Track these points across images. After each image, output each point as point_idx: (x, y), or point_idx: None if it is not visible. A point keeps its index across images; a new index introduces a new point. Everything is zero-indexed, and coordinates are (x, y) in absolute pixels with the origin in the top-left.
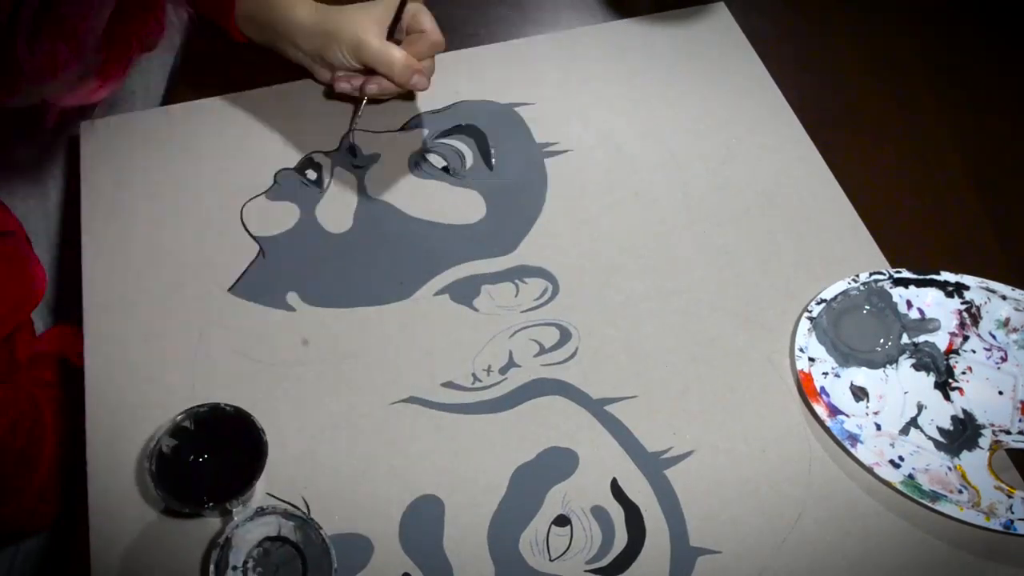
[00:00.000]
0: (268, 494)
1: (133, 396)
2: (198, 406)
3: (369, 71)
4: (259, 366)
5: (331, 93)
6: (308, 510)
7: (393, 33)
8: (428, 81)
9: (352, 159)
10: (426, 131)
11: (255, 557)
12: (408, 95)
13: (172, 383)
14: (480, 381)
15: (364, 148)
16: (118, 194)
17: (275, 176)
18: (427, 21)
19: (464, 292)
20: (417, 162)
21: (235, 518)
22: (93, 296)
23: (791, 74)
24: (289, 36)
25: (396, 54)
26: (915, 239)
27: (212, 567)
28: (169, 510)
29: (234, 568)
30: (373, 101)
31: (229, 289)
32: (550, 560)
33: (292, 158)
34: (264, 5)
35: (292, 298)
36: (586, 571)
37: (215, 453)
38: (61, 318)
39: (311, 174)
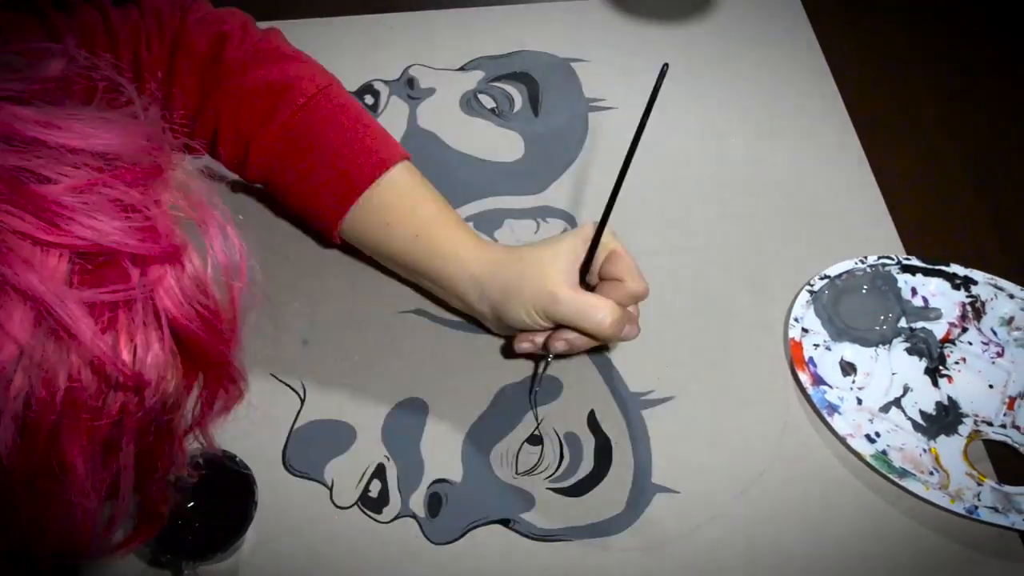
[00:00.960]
0: (271, 374)
1: None
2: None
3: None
4: (283, 262)
5: (400, 27)
6: (305, 394)
7: (585, 276)
8: (638, 330)
9: (409, 90)
10: (482, 73)
11: None
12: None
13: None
14: None
15: (421, 82)
16: None
17: None
18: (628, 265)
19: (488, 222)
20: (468, 100)
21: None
22: None
23: (852, 65)
24: (459, 292)
25: (603, 308)
26: (941, 235)
27: None
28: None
29: None
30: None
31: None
32: (515, 474)
33: (353, 83)
34: (425, 259)
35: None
36: (547, 488)
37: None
38: None
39: (368, 99)
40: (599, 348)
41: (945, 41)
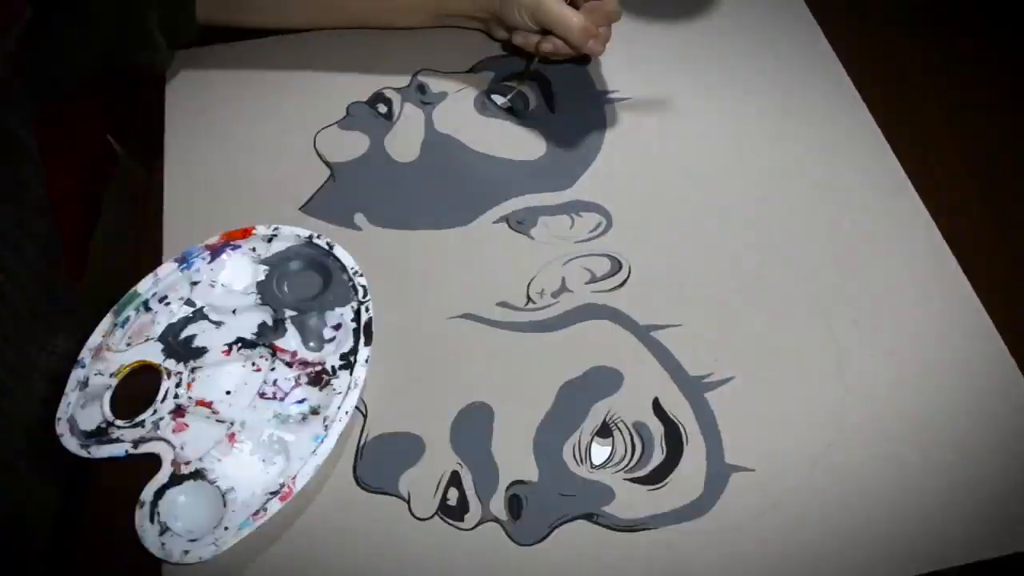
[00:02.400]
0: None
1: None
2: None
3: (546, 31)
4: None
5: (404, 34)
6: (366, 410)
7: None
8: (604, 47)
9: (421, 96)
10: (492, 74)
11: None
12: (583, 58)
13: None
14: (533, 303)
15: (432, 86)
16: (199, 121)
17: (348, 108)
18: None
19: (522, 221)
20: (482, 102)
21: None
22: (172, 208)
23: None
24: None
25: (574, 18)
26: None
27: None
28: None
29: None
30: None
31: (300, 208)
32: (591, 468)
33: (364, 92)
34: None
35: (359, 218)
36: (625, 479)
37: None
38: None
39: (381, 107)
40: (648, 328)
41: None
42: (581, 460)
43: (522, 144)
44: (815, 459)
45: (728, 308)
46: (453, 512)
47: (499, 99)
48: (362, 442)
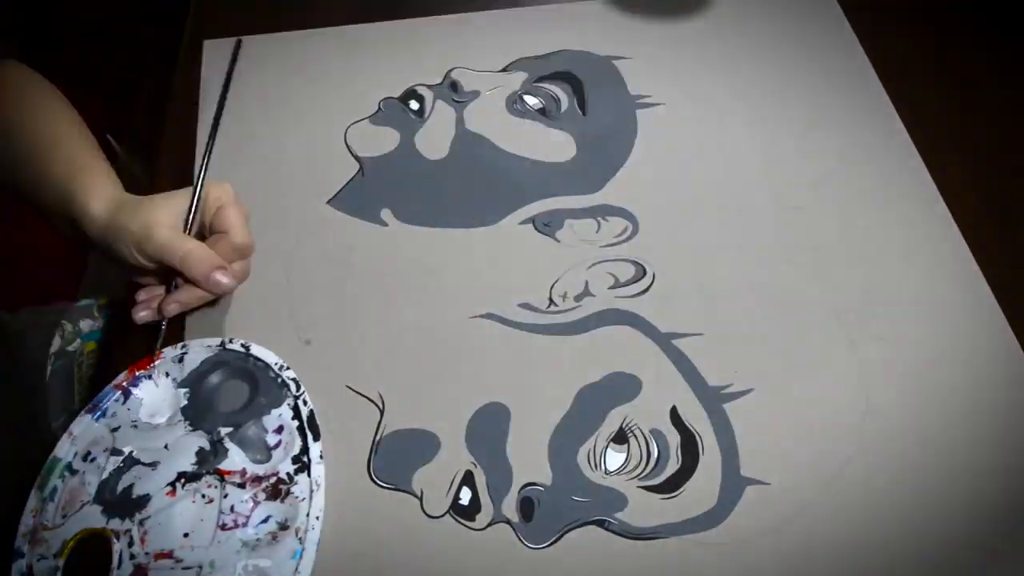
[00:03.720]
0: (347, 387)
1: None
2: None
3: (161, 271)
4: (348, 272)
5: (439, 32)
6: (383, 405)
7: (191, 225)
8: (234, 283)
9: (453, 94)
10: (525, 75)
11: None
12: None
13: (268, 280)
14: (555, 305)
15: (465, 85)
16: (232, 109)
17: (379, 103)
18: (233, 218)
19: (548, 224)
20: (514, 102)
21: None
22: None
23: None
24: (83, 230)
25: (188, 244)
26: (994, 215)
27: None
28: None
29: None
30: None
31: (328, 201)
32: (605, 474)
33: (397, 88)
34: (66, 200)
35: (385, 214)
36: (638, 487)
37: None
38: None
39: (414, 104)
40: (669, 336)
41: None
42: (595, 465)
43: (552, 146)
44: (832, 475)
45: (751, 319)
46: (465, 511)
47: (531, 100)
48: (378, 437)
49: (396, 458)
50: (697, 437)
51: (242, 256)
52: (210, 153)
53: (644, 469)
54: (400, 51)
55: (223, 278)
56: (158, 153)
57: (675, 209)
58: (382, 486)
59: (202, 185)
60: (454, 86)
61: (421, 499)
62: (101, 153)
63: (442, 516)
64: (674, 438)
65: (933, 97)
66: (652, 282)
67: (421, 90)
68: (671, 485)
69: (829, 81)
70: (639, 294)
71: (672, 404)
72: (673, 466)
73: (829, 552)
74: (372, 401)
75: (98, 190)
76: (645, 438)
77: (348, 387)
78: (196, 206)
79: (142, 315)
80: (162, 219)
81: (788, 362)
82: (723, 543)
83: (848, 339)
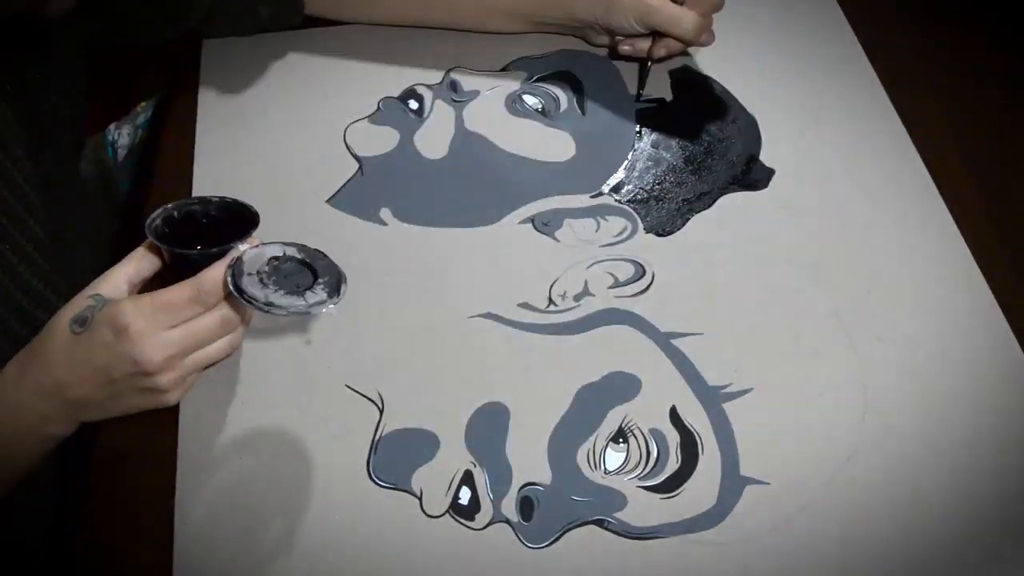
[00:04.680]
0: (347, 386)
1: None
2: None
3: (654, 34)
4: (347, 271)
5: (439, 32)
6: (383, 404)
7: None
8: (714, 36)
9: (453, 94)
10: (525, 74)
11: (266, 271)
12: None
13: None
14: (555, 305)
15: (465, 85)
16: (232, 107)
17: (379, 103)
18: None
19: (547, 223)
20: (514, 101)
21: (239, 248)
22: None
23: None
24: (567, 4)
25: (687, 16)
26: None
27: (229, 279)
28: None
29: (249, 275)
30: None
31: (327, 200)
32: (605, 474)
33: (397, 88)
34: None
35: (385, 213)
36: (638, 486)
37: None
38: None
39: (413, 103)
40: (669, 336)
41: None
42: (595, 465)
43: (551, 145)
44: (832, 475)
45: (750, 318)
46: (464, 511)
47: (531, 99)
48: (377, 436)
49: (395, 457)
50: (697, 437)
51: (716, 10)
52: None
53: (644, 469)
54: (400, 51)
55: (709, 38)
56: (157, 154)
57: (674, 207)
58: (381, 485)
59: None
60: (454, 86)
61: (420, 499)
62: None
63: (441, 516)
64: (674, 438)
65: (933, 97)
66: (652, 281)
67: (421, 90)
68: (671, 485)
69: (829, 81)
70: (639, 294)
71: (672, 404)
72: (673, 466)
73: (829, 551)
74: (372, 401)
75: None
76: (644, 438)
77: (348, 386)
78: None
79: (625, 49)
80: None
81: (788, 361)
82: (723, 542)
83: (848, 339)
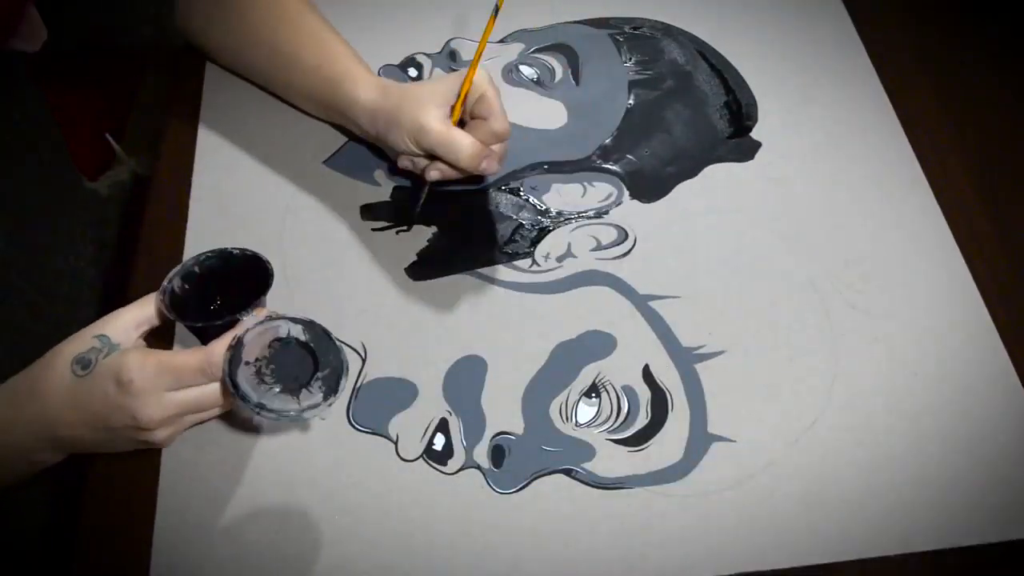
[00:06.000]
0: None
1: (229, 238)
2: (206, 253)
3: (432, 156)
4: (338, 227)
5: (440, 3)
6: (366, 354)
7: (459, 113)
8: (499, 165)
9: (451, 63)
10: (522, 46)
11: (267, 356)
12: (477, 178)
13: (263, 234)
14: (538, 265)
15: (464, 54)
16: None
17: (379, 70)
18: (494, 105)
19: (535, 187)
20: (510, 71)
21: (245, 322)
22: (204, 148)
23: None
24: (352, 117)
25: (462, 141)
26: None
27: (225, 365)
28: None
29: (246, 363)
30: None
31: (324, 161)
32: (576, 426)
33: (397, 56)
34: (327, 87)
35: (379, 175)
36: (607, 439)
37: (226, 295)
38: None
39: (412, 71)
40: (646, 298)
41: None
42: (567, 417)
43: (544, 113)
44: (797, 436)
45: (728, 284)
46: (438, 456)
47: (527, 70)
48: (359, 383)
49: (374, 404)
50: (667, 394)
51: (500, 140)
52: (484, 44)
53: (614, 423)
54: (402, 21)
55: (489, 165)
56: (159, 153)
57: (660, 175)
58: (359, 430)
59: (471, 75)
60: (453, 55)
61: (396, 443)
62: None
63: (415, 460)
64: (645, 394)
65: (922, 80)
66: (633, 246)
67: (420, 58)
68: (639, 439)
69: (822, 59)
70: (620, 257)
71: (645, 363)
72: (642, 421)
73: (789, 507)
74: (355, 350)
75: (361, 78)
76: (616, 393)
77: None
78: (464, 99)
79: (405, 164)
80: (432, 112)
81: (761, 326)
82: (685, 495)
83: (822, 306)
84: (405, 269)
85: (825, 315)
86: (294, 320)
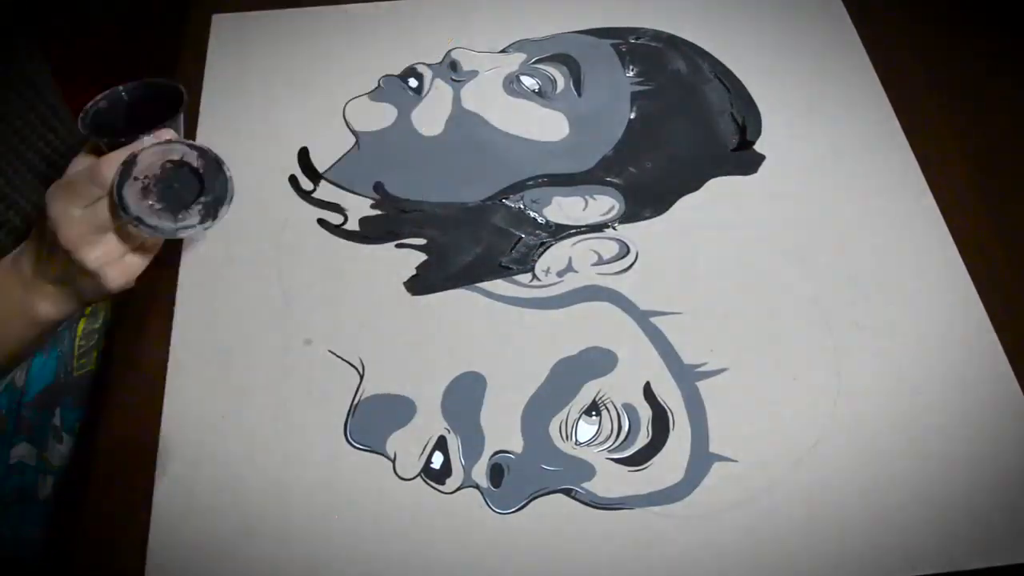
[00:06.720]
0: (329, 351)
1: (225, 251)
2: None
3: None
4: (336, 241)
5: (441, 12)
6: (364, 370)
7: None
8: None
9: (452, 73)
10: (524, 56)
11: (156, 175)
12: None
13: (258, 246)
14: (538, 280)
15: (464, 64)
16: (236, 83)
17: (379, 80)
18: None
19: (536, 200)
20: (511, 82)
21: (144, 142)
22: None
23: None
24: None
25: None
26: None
27: (116, 177)
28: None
29: (135, 179)
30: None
31: (323, 173)
32: (576, 445)
33: (397, 66)
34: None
35: (377, 187)
36: (607, 458)
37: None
38: None
39: (412, 82)
40: (648, 314)
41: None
42: (567, 436)
43: (545, 125)
44: (800, 456)
45: (730, 300)
46: (436, 475)
47: (528, 80)
48: (356, 400)
49: (372, 421)
50: (668, 413)
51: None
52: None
53: (614, 442)
54: (403, 31)
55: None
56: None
57: (662, 189)
58: (357, 447)
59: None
60: (453, 65)
61: (394, 461)
62: None
63: (413, 479)
64: (646, 413)
65: (928, 93)
66: (635, 260)
67: (421, 68)
68: (640, 458)
69: (827, 71)
70: (621, 272)
71: (646, 380)
72: (643, 440)
73: (791, 529)
74: (352, 366)
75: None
76: (617, 412)
77: (330, 351)
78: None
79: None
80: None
81: (764, 344)
82: (686, 516)
83: (825, 324)
84: (404, 283)
85: (828, 332)
86: (191, 146)
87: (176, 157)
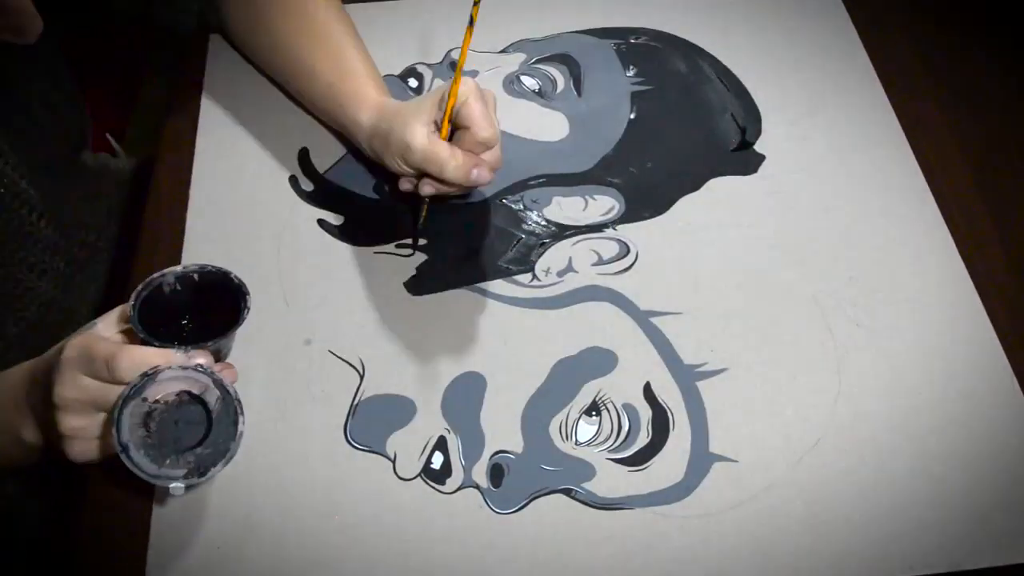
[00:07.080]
0: (329, 351)
1: (226, 252)
2: (202, 266)
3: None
4: (336, 241)
5: (441, 12)
6: (364, 370)
7: (447, 127)
8: (491, 174)
9: (452, 73)
10: (524, 56)
11: (168, 403)
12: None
13: (259, 247)
14: (538, 280)
15: (465, 65)
16: (236, 84)
17: None
18: (476, 113)
19: (536, 200)
20: (511, 82)
21: (175, 358)
22: (203, 160)
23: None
24: (356, 140)
25: (443, 154)
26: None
27: (127, 389)
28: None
29: (144, 400)
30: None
31: (323, 173)
32: (576, 445)
33: (397, 66)
34: (336, 106)
35: (376, 187)
36: (607, 458)
37: (205, 316)
38: None
39: (412, 82)
40: (648, 314)
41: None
42: (567, 436)
43: (546, 125)
44: (800, 456)
45: (730, 301)
46: (436, 475)
47: (528, 80)
48: (356, 401)
49: (372, 422)
50: (669, 413)
51: (489, 147)
52: (463, 59)
53: (614, 442)
54: (403, 31)
55: (481, 175)
56: (159, 152)
57: (661, 188)
58: (357, 447)
59: (455, 86)
60: (453, 65)
61: (394, 461)
62: (366, 53)
63: (413, 479)
64: (646, 413)
65: (928, 93)
66: (635, 260)
67: (421, 68)
68: (640, 458)
69: (827, 71)
70: (621, 272)
71: (646, 380)
72: (643, 440)
73: (791, 529)
74: (352, 366)
75: (366, 100)
76: (617, 412)
77: (331, 352)
78: (448, 113)
79: (405, 186)
80: (416, 129)
81: (764, 344)
82: (686, 516)
83: (825, 324)
84: (404, 283)
85: (828, 332)
86: (217, 383)
87: (196, 391)
